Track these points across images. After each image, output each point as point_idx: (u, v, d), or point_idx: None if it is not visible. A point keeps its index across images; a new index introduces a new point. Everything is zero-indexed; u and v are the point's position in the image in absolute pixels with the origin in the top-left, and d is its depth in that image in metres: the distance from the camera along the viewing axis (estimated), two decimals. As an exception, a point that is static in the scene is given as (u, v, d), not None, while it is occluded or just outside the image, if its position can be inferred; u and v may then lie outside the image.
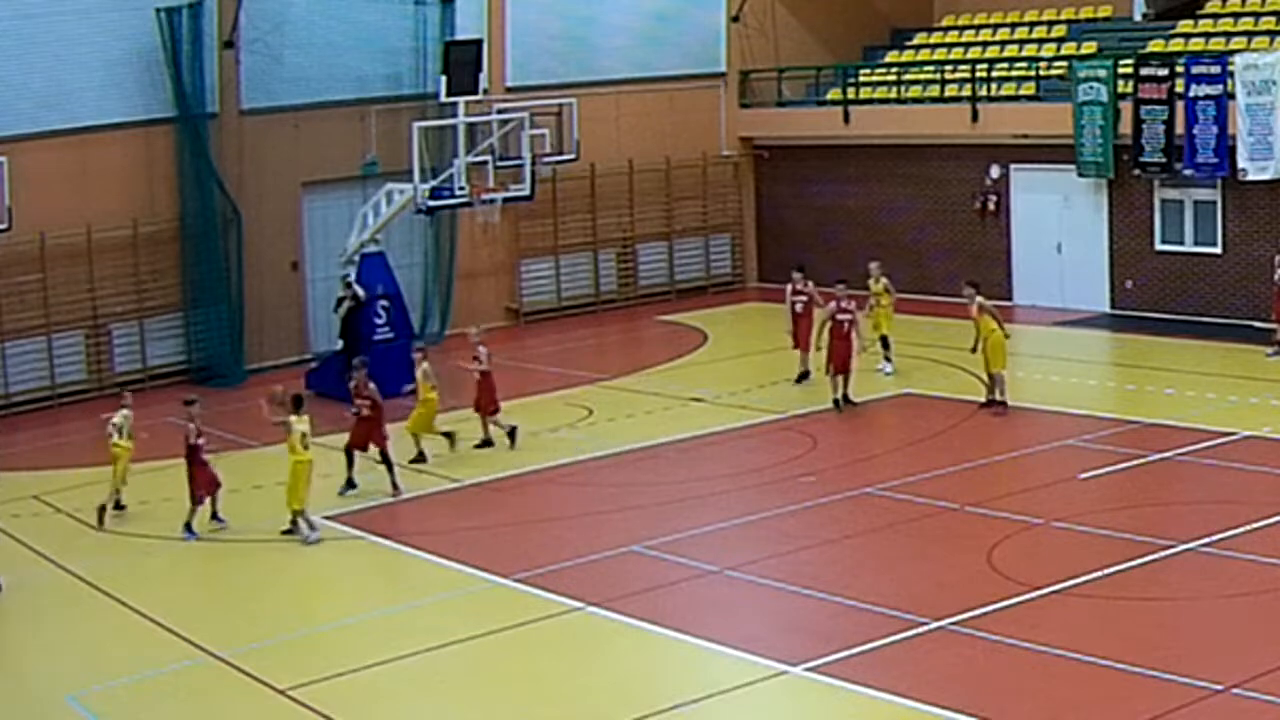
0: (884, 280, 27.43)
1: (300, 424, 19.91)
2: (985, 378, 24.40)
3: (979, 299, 24.38)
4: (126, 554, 20.06)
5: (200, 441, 20.65)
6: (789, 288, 27.39)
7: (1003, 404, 24.12)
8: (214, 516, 20.95)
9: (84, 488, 22.94)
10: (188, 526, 20.43)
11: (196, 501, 20.54)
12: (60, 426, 28.11)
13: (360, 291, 27.28)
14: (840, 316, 25.01)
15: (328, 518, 20.82)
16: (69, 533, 21.10)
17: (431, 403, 23.27)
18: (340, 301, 27.69)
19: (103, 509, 21.25)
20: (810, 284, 27.00)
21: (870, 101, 36.04)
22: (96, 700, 15.21)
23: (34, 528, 21.36)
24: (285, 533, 20.08)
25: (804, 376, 26.57)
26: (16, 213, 27.40)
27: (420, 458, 23.27)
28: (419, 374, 23.28)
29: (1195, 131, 29.63)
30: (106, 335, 30.11)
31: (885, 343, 27.29)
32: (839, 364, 24.99)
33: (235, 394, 29.71)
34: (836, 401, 24.89)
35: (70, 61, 29.28)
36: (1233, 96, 29.04)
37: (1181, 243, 30.93)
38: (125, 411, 21.68)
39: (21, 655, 16.78)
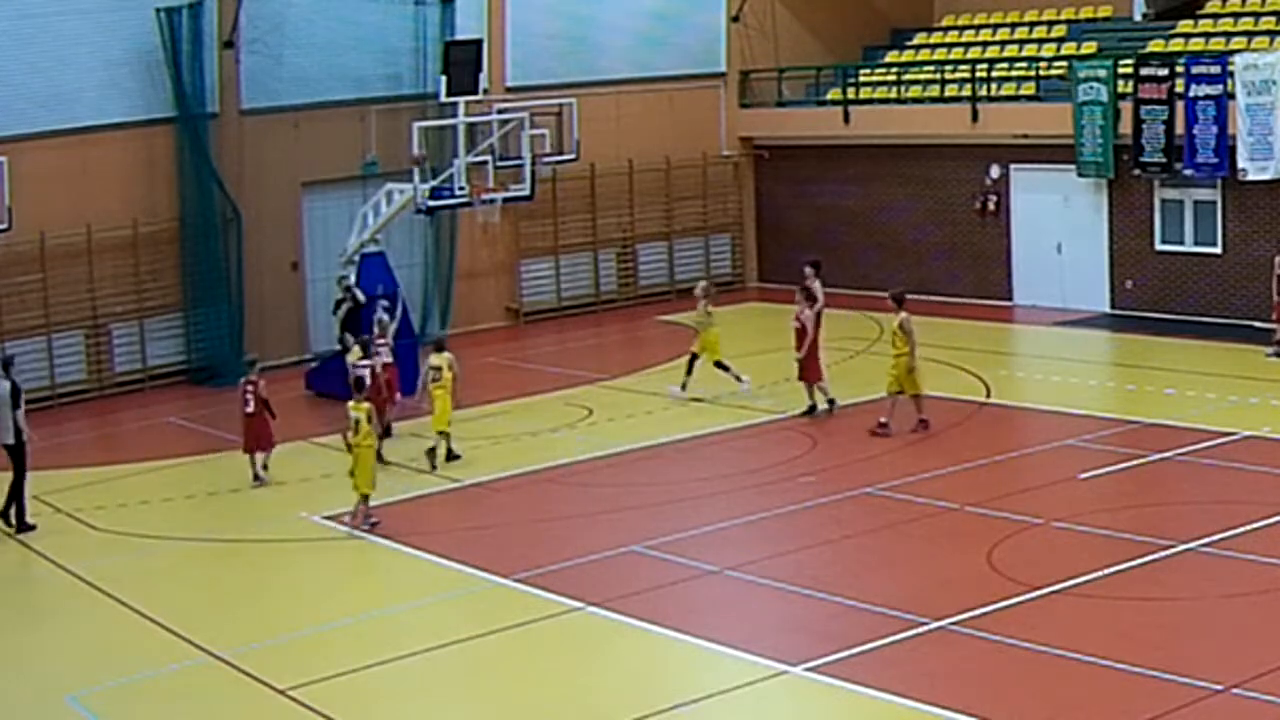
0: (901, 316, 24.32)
1: (355, 410, 20.19)
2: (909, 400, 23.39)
3: (903, 314, 23.35)
4: (126, 554, 20.07)
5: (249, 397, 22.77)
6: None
7: (884, 426, 23.25)
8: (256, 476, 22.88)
9: (84, 488, 22.96)
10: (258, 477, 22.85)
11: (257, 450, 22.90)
12: (60, 426, 28.05)
13: (361, 295, 27.30)
14: (794, 324, 24.83)
15: (328, 518, 20.85)
16: (69, 533, 21.10)
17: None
18: (339, 304, 27.67)
19: (432, 451, 23.07)
20: (817, 283, 26.59)
21: (870, 101, 36.04)
22: (96, 700, 15.21)
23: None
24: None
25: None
26: (16, 213, 27.40)
27: (451, 455, 23.42)
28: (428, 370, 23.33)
29: (1195, 131, 29.63)
30: (106, 335, 30.10)
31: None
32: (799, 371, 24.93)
33: (235, 394, 29.70)
34: (831, 402, 24.83)
35: (70, 61, 29.27)
36: (1233, 96, 29.03)
37: (1181, 243, 30.93)
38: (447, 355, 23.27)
39: (21, 655, 16.77)
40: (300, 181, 32.13)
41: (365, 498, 20.20)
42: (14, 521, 21.07)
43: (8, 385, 21.35)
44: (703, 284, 27.38)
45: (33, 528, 21.07)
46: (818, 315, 24.82)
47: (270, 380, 25.86)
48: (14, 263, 28.65)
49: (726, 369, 26.16)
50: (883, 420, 23.33)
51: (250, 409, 22.76)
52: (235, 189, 31.08)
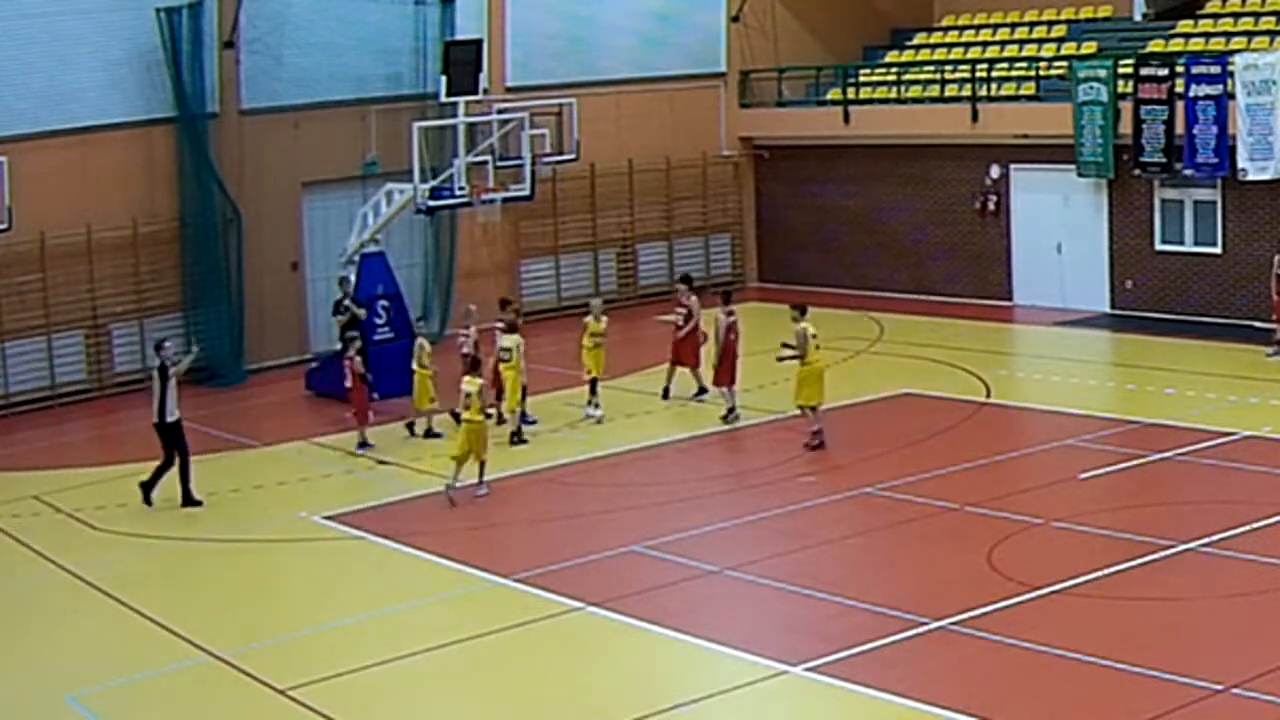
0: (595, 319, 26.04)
1: (469, 385, 21.09)
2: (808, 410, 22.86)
3: (803, 324, 22.68)
4: (126, 554, 20.06)
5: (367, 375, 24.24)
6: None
7: (818, 437, 22.73)
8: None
9: (84, 488, 22.96)
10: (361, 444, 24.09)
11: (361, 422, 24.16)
12: (60, 426, 28.09)
13: (361, 311, 27.30)
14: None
15: (328, 518, 20.85)
16: (69, 533, 21.10)
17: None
18: (338, 306, 27.64)
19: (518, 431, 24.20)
20: (694, 298, 26.19)
21: (870, 101, 36.04)
22: (96, 700, 15.21)
23: (34, 528, 21.35)
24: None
25: (701, 392, 26.17)
26: (16, 213, 27.39)
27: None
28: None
29: (1195, 131, 29.63)
30: (106, 335, 30.07)
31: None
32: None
33: (235, 394, 29.76)
34: (702, 390, 25.39)
35: (70, 61, 29.25)
36: (1233, 96, 29.03)
37: (1181, 243, 30.93)
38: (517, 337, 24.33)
39: (21, 655, 16.77)
40: (300, 181, 32.11)
41: (482, 465, 21.24)
42: (183, 497, 21.81)
43: (158, 364, 22.03)
44: (596, 301, 27.33)
45: (199, 503, 21.75)
46: (695, 320, 25.83)
47: (270, 380, 25.94)
48: (14, 263, 28.63)
49: (594, 390, 25.79)
50: (815, 432, 22.95)
51: (349, 383, 24.12)
52: (235, 189, 31.06)
